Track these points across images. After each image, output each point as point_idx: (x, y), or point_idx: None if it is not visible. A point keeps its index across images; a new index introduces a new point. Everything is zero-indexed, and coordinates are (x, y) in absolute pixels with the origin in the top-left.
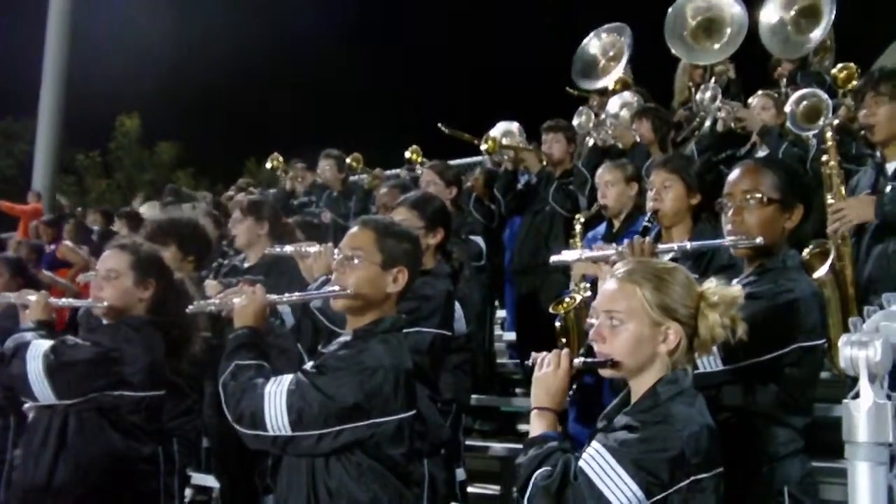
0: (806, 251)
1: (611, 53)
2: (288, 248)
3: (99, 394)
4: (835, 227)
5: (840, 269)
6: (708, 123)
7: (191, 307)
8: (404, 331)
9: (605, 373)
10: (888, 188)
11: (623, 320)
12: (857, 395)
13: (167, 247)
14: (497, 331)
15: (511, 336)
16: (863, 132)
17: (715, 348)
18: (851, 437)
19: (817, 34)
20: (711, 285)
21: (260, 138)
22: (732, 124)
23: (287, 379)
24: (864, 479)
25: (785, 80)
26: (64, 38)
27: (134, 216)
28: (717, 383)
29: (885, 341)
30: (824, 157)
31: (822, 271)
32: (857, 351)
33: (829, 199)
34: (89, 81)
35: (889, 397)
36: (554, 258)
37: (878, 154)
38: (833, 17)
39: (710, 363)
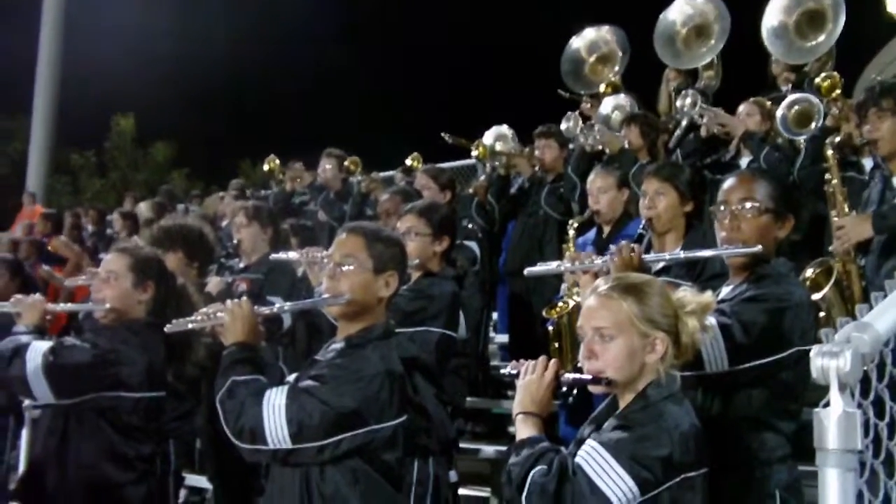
0: (810, 270)
1: (598, 54)
2: (292, 255)
3: (97, 394)
4: (837, 245)
5: (847, 286)
6: (682, 127)
7: (168, 326)
8: (412, 329)
9: (597, 389)
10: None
11: (613, 335)
12: (827, 404)
13: (174, 251)
14: (489, 333)
15: (503, 338)
16: (867, 147)
17: (723, 349)
18: (822, 445)
19: (824, 41)
20: (685, 293)
21: (256, 140)
22: (715, 129)
23: (283, 391)
24: (833, 485)
25: (791, 85)
26: (58, 37)
27: (132, 215)
28: (719, 384)
29: (855, 352)
30: (826, 176)
31: (826, 289)
32: (827, 361)
33: (833, 217)
34: (84, 81)
35: (860, 405)
36: (529, 270)
37: (883, 166)
38: (842, 24)
39: (717, 364)
